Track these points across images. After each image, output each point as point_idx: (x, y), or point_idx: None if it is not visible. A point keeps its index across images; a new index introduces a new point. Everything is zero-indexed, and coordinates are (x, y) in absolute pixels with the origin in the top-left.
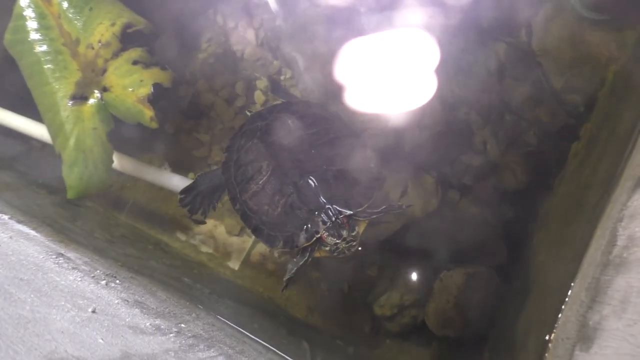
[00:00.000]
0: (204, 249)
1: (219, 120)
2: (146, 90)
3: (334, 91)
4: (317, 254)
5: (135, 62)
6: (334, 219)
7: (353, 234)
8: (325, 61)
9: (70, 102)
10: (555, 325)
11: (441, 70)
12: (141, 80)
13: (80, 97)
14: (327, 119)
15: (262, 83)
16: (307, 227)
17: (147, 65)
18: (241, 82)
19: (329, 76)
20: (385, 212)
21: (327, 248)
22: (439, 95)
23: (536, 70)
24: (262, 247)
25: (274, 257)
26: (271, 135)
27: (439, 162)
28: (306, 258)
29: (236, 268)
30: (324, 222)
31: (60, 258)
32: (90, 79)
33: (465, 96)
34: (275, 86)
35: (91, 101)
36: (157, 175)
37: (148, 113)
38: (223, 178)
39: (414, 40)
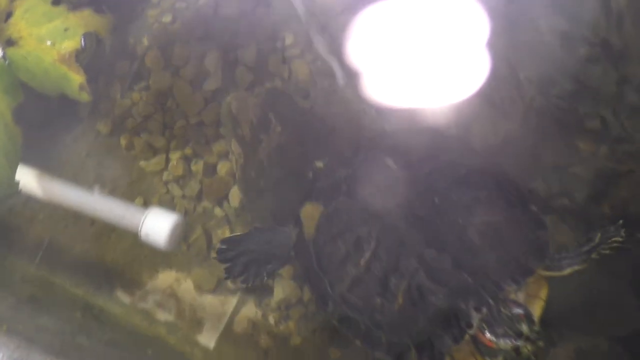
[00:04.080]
0: (162, 315)
1: (179, 112)
2: (73, 43)
3: (358, 71)
4: None
5: (56, 1)
6: (492, 302)
7: (536, 328)
8: (346, 24)
9: None
10: None
11: (515, 30)
12: (65, 29)
13: None
14: (444, 147)
15: (249, 54)
16: (452, 320)
17: (74, 5)
18: (214, 53)
19: (350, 47)
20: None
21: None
22: (515, 70)
23: None
24: (250, 310)
25: (269, 324)
26: (364, 186)
27: (525, 175)
28: None
29: (211, 346)
30: (478, 310)
31: None
32: None
33: (560, 66)
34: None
35: None
36: (85, 200)
37: (76, 78)
38: (290, 251)
39: None
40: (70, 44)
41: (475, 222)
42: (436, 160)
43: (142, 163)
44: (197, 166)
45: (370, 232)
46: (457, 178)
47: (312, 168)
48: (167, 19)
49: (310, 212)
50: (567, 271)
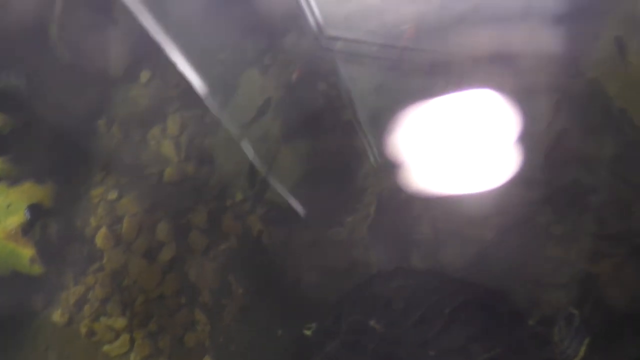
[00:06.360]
0: None
1: (138, 288)
2: (18, 218)
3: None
4: None
5: None
6: None
7: None
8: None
9: None
10: None
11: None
12: (8, 206)
13: None
14: (424, 285)
15: (200, 217)
16: None
17: (13, 180)
18: (165, 221)
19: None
20: None
21: None
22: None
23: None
24: None
25: None
26: (357, 356)
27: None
28: None
29: None
30: None
31: None
32: None
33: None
34: None
35: None
36: None
37: (26, 252)
38: None
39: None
40: (15, 219)
41: (486, 358)
42: (418, 307)
43: (106, 348)
44: (164, 341)
45: None
46: (444, 321)
47: (301, 338)
48: (112, 195)
49: None
50: (582, 352)
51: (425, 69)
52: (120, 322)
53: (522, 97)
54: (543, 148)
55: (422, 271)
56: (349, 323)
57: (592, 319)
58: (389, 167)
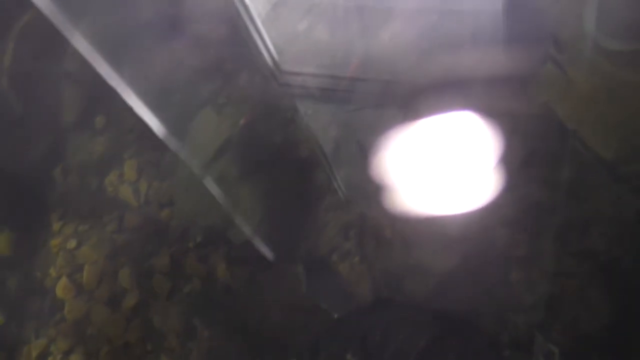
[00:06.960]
0: None
1: (102, 337)
2: None
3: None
4: None
5: None
6: None
7: None
8: None
9: None
10: None
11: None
12: None
13: None
14: (399, 317)
15: (163, 260)
16: None
17: None
18: (127, 266)
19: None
20: None
21: None
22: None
23: (571, 142)
24: None
25: None
26: None
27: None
28: None
29: None
30: None
31: None
32: None
33: None
34: None
35: None
36: None
37: None
38: None
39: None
40: None
41: None
42: (394, 340)
43: None
44: None
45: None
46: (419, 353)
47: None
48: (71, 244)
49: None
50: None
51: (379, 99)
52: None
53: (477, 123)
54: (502, 172)
55: (398, 303)
56: (326, 357)
57: (560, 341)
58: (352, 200)
